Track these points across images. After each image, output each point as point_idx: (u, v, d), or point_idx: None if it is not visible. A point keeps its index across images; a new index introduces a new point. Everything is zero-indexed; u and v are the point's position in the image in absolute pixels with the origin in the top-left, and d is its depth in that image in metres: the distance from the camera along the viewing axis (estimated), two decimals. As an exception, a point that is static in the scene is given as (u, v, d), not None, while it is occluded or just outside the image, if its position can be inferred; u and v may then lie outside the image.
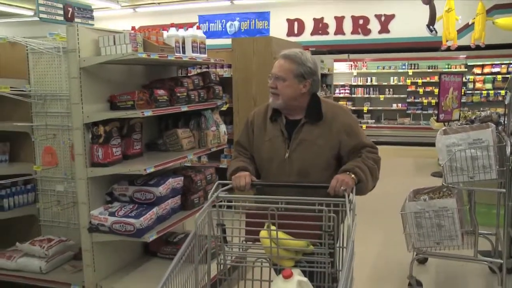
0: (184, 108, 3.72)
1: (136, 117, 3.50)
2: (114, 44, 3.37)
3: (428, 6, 9.79)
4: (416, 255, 3.92)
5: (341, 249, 2.13)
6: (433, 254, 3.90)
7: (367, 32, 12.05)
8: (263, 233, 2.12)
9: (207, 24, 13.30)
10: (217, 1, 12.80)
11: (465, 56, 12.39)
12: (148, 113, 3.32)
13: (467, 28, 10.70)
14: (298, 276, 1.98)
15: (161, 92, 3.56)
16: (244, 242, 2.28)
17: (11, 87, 3.98)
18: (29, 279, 3.88)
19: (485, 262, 3.82)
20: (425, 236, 3.70)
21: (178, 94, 3.68)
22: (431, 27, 10.05)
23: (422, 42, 11.26)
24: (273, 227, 2.06)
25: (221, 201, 2.20)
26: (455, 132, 3.69)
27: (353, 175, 2.30)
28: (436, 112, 8.55)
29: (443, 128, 3.96)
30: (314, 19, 12.45)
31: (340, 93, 13.51)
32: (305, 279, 1.99)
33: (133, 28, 3.71)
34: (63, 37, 3.88)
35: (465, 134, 3.56)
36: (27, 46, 4.15)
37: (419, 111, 12.78)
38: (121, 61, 3.52)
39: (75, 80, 3.36)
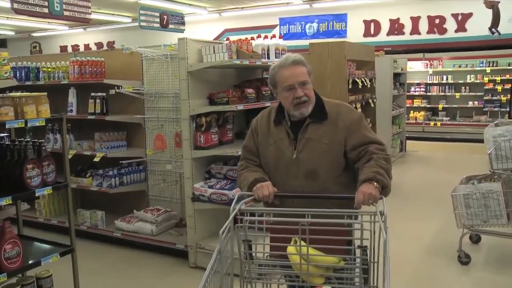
0: (268, 104, 4.54)
1: (230, 110, 4.38)
2: (214, 52, 4.26)
3: (491, 9, 9.98)
4: (465, 232, 4.47)
5: (373, 264, 1.99)
6: (480, 231, 4.46)
7: (443, 31, 12.23)
8: (291, 249, 2.01)
9: (287, 26, 14.08)
10: (296, 4, 13.54)
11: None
12: (240, 107, 4.19)
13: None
14: None
15: (250, 90, 4.43)
16: (268, 257, 2.20)
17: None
18: (143, 238, 4.93)
19: (528, 239, 4.31)
20: (473, 215, 4.26)
21: (264, 92, 4.53)
22: (493, 29, 10.20)
23: (502, 40, 11.20)
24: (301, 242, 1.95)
25: (243, 214, 2.06)
26: (505, 125, 4.23)
27: (375, 183, 2.13)
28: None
29: (496, 121, 4.48)
30: (390, 20, 12.82)
31: (415, 91, 13.76)
32: None
33: (227, 38, 4.60)
34: (172, 46, 4.84)
35: (510, 127, 4.09)
36: (142, 54, 5.17)
37: (496, 109, 12.73)
38: (218, 66, 4.40)
39: (184, 81, 4.30)
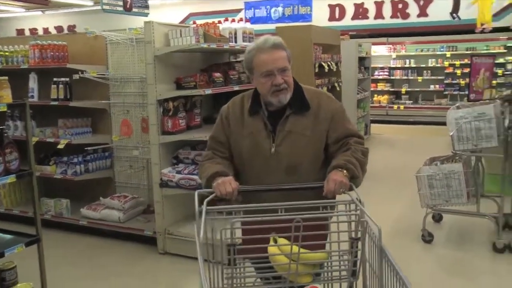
0: (236, 88, 4.52)
1: (198, 95, 4.34)
2: (181, 36, 4.21)
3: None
4: (429, 212, 4.61)
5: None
6: (443, 210, 4.62)
7: (406, 16, 12.40)
8: (273, 249, 1.82)
9: (252, 10, 13.94)
10: (261, -12, 13.41)
11: (506, 37, 12.52)
12: (208, 91, 4.15)
13: (507, 10, 10.93)
14: None
15: (217, 74, 4.39)
16: (243, 260, 1.97)
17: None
18: (111, 226, 4.86)
19: (486, 216, 4.48)
20: (436, 195, 4.40)
21: (231, 76, 4.50)
22: (454, 14, 10.48)
23: (460, 25, 11.46)
24: (282, 240, 1.78)
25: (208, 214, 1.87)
26: (466, 108, 4.35)
27: (345, 171, 2.03)
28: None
29: (457, 104, 4.61)
30: (355, 4, 12.87)
31: (379, 75, 13.97)
32: None
33: (194, 22, 4.54)
34: (138, 30, 4.73)
35: (470, 109, 4.22)
36: (106, 38, 5.04)
37: (456, 92, 13.10)
38: (185, 50, 4.33)
39: (150, 65, 4.23)
